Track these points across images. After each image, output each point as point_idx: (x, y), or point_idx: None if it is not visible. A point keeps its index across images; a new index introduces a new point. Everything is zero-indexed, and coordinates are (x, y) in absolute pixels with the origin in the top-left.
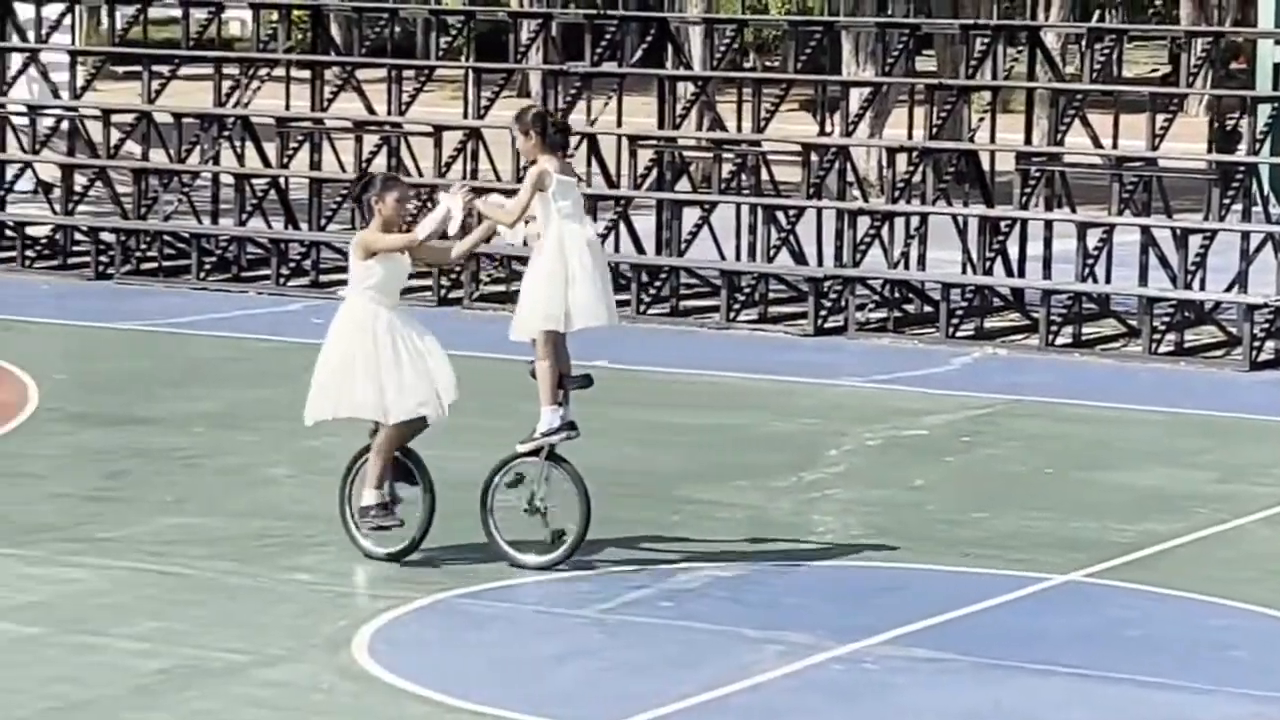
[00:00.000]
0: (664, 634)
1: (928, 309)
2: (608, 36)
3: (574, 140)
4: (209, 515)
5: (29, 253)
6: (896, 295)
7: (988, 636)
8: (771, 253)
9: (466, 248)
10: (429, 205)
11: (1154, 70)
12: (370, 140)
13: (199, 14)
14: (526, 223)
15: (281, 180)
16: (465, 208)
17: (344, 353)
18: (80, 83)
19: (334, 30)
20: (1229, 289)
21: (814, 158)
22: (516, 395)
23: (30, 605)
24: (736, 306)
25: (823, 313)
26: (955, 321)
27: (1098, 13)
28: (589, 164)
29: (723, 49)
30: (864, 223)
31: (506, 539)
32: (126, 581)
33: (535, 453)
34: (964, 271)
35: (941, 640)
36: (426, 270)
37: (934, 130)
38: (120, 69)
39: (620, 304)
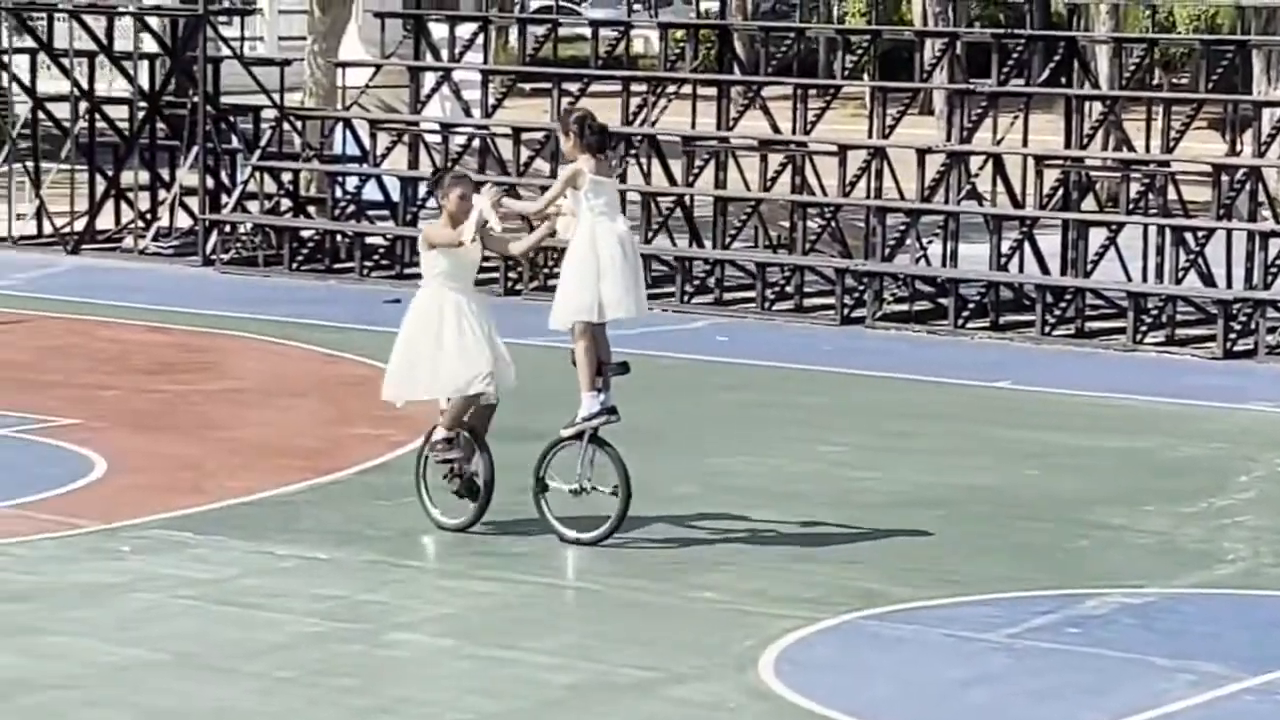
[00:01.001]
0: (1072, 660)
1: None
2: (1014, 55)
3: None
4: (618, 532)
5: None
6: None
7: None
8: (1180, 274)
9: (528, 244)
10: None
11: None
12: (775, 159)
13: (607, 32)
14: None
15: (687, 198)
16: (494, 207)
17: (409, 338)
18: (491, 101)
19: (739, 48)
20: None
21: (1224, 178)
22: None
23: (443, 618)
24: (1143, 328)
25: (1232, 336)
26: None
27: None
28: (993, 183)
29: (1131, 67)
30: (1276, 244)
31: (557, 515)
32: (538, 596)
33: (578, 437)
34: None
35: None
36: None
37: None
38: (528, 86)
39: (1023, 325)
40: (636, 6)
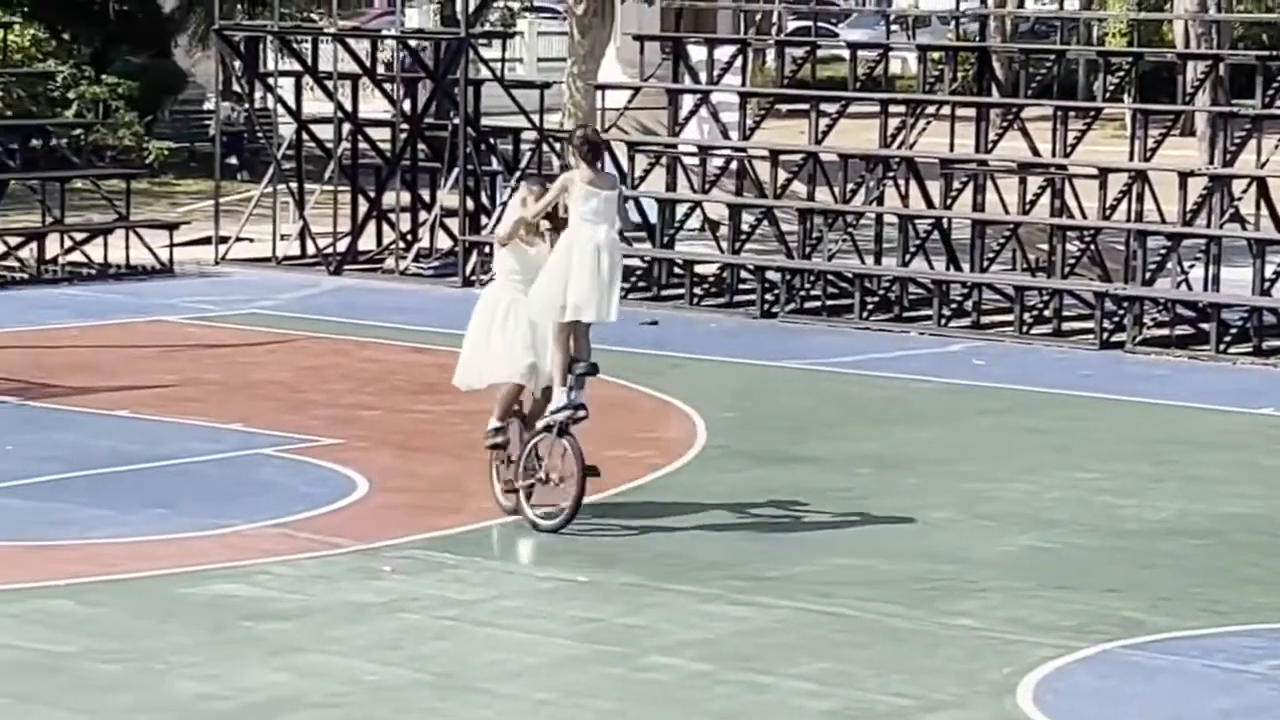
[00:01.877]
0: None
1: None
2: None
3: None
4: (872, 556)
5: (697, 290)
6: None
7: None
8: None
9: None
10: (1092, 247)
11: None
12: (1034, 181)
13: (866, 54)
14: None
15: (944, 221)
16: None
17: (474, 327)
18: (749, 123)
19: (998, 69)
20: None
21: None
22: None
23: (701, 642)
24: None
25: None
26: None
27: None
28: (1257, 206)
29: None
30: None
31: (532, 504)
32: (793, 621)
33: (547, 429)
34: None
35: None
36: None
37: None
38: (785, 108)
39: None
40: (895, 28)
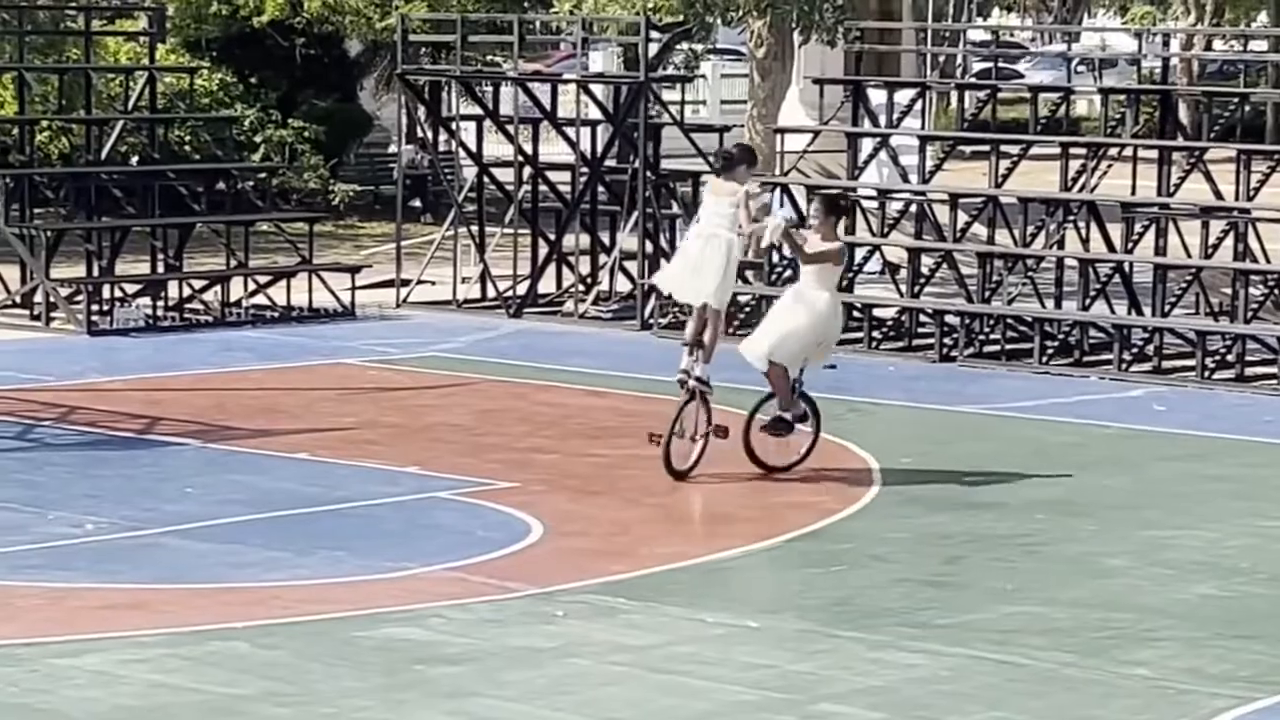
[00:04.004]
0: None
1: None
2: None
3: None
4: (1048, 604)
5: (875, 334)
6: None
7: None
8: None
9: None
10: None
11: None
12: (1217, 225)
13: (1048, 95)
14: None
15: (1126, 265)
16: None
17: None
18: (929, 165)
19: (1183, 111)
20: None
21: None
22: None
23: (872, 689)
24: None
25: None
26: None
27: None
28: None
29: None
30: None
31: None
32: (965, 669)
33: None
34: None
35: None
36: None
37: None
38: (967, 150)
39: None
40: (1081, 69)
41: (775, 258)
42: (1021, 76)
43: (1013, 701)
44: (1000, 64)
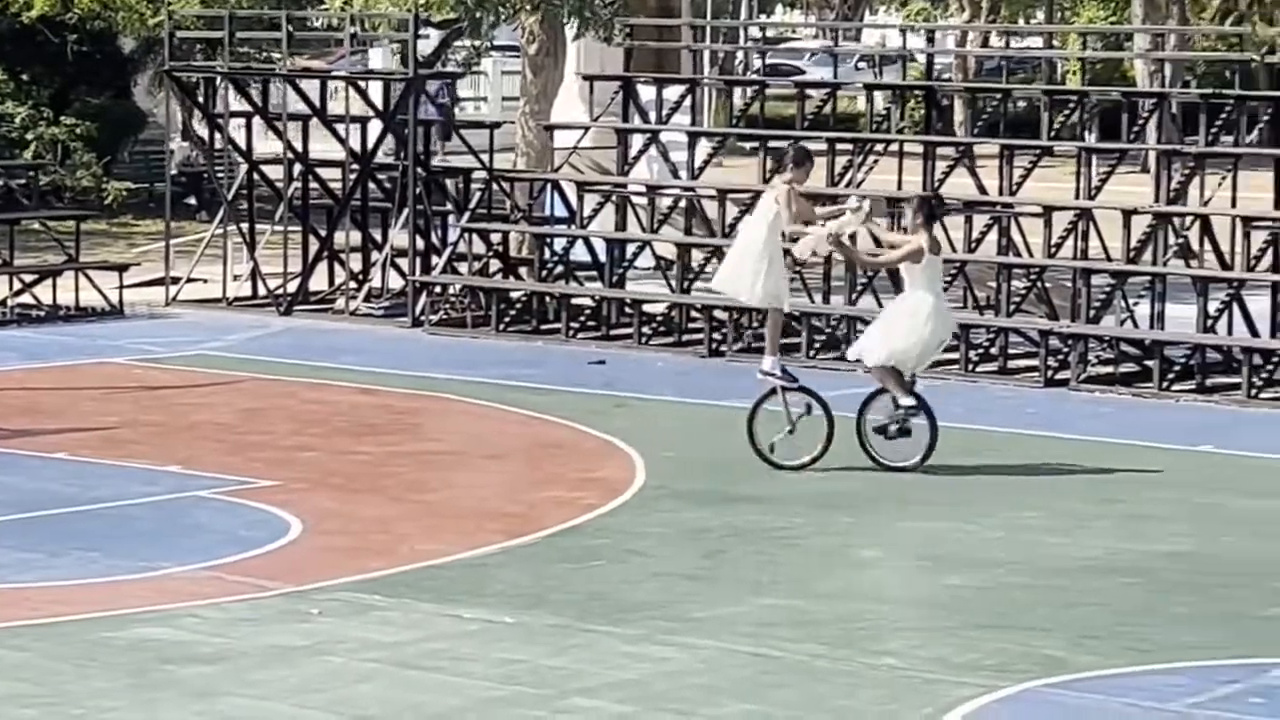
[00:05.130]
0: None
1: None
2: (1222, 115)
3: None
4: (801, 597)
5: (645, 329)
6: None
7: None
8: None
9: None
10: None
11: None
12: (980, 219)
13: (818, 91)
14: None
15: None
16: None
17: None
18: (698, 162)
19: (959, 108)
20: None
21: None
22: None
23: (624, 683)
24: None
25: None
26: None
27: None
28: (1200, 244)
29: None
30: None
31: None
32: (718, 662)
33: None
34: None
35: None
36: None
37: None
38: (748, 146)
39: (1229, 387)
40: (861, 65)
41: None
42: (804, 73)
43: (764, 694)
44: (784, 61)
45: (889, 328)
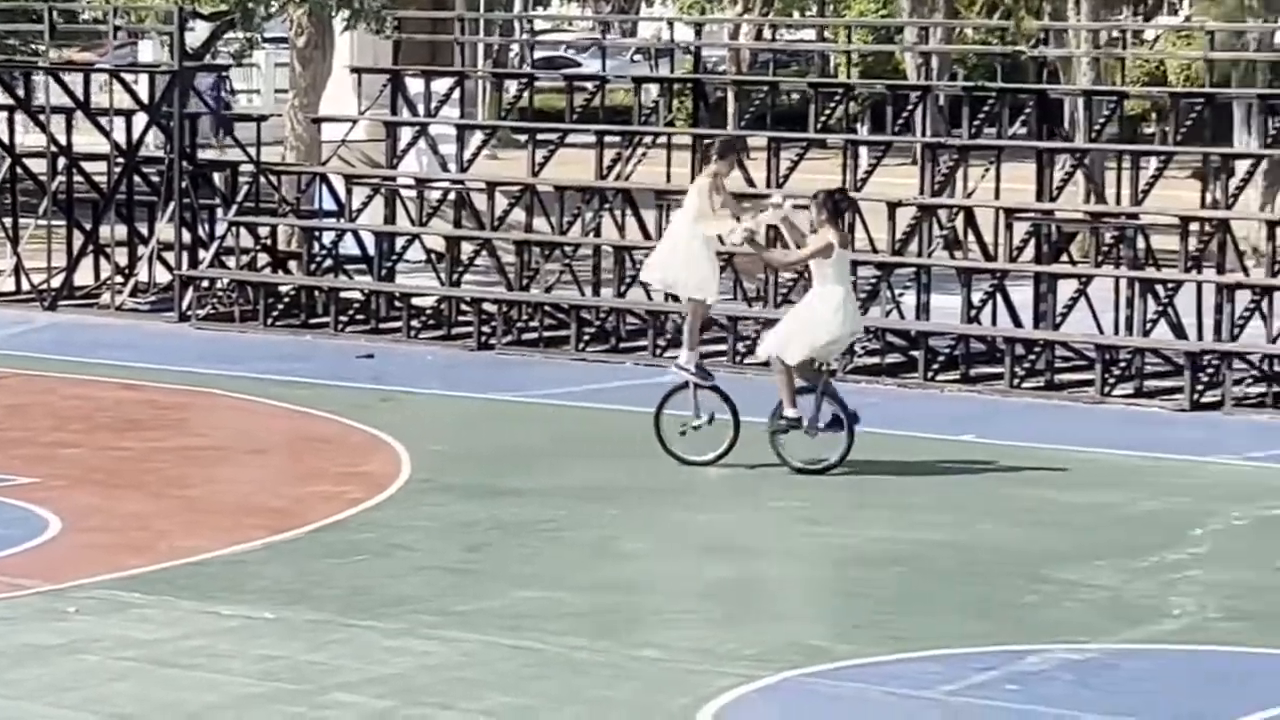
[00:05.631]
0: (1008, 718)
1: None
2: (985, 108)
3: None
4: (565, 589)
5: (414, 322)
6: (1276, 370)
7: None
8: (1148, 326)
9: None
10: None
11: None
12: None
13: (588, 83)
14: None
15: None
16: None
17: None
18: (467, 155)
19: (730, 99)
20: None
21: (1193, 229)
22: None
23: (384, 678)
24: (1111, 380)
25: (1199, 387)
26: None
27: None
28: (964, 235)
29: (1101, 120)
30: (1243, 296)
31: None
32: (480, 655)
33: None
34: None
35: None
36: None
37: None
38: (521, 138)
39: (993, 377)
40: (637, 58)
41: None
42: (579, 65)
43: (524, 686)
44: (559, 54)
45: (798, 323)
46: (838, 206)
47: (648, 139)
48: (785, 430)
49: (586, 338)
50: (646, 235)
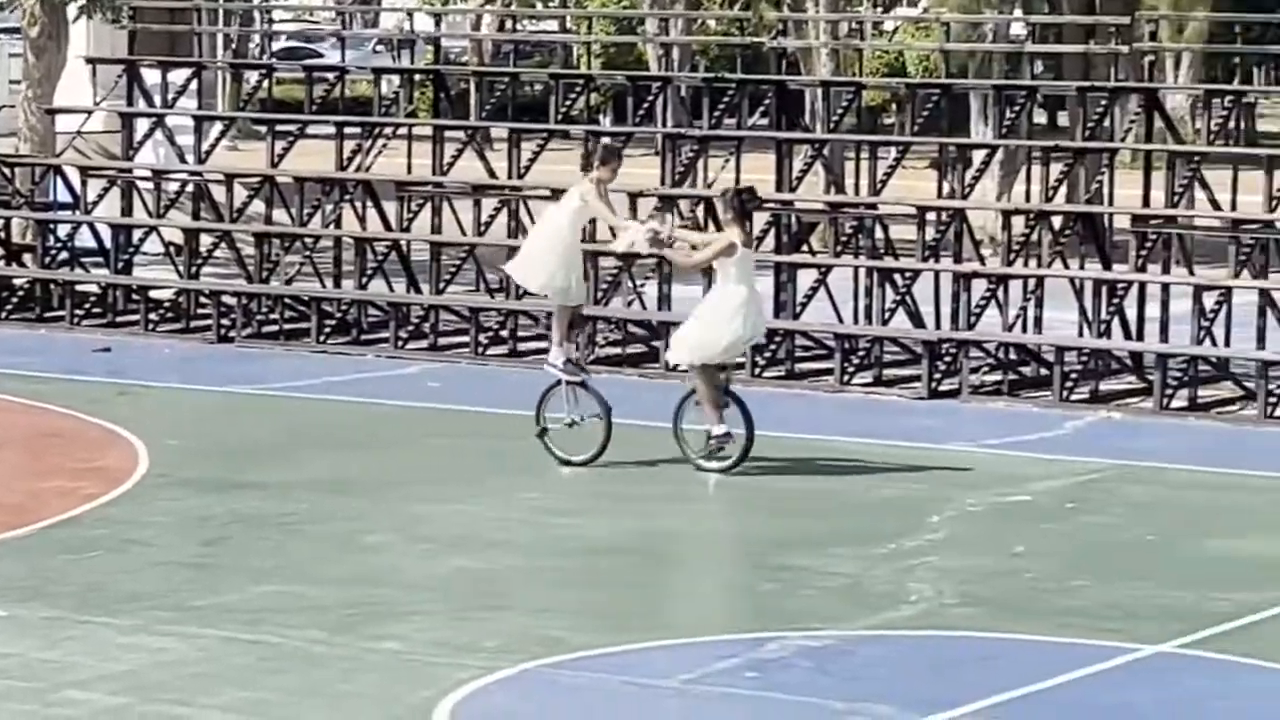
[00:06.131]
0: (746, 705)
1: (1043, 372)
2: (726, 99)
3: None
4: (304, 583)
5: (152, 316)
6: (1012, 358)
7: (1073, 709)
8: (886, 315)
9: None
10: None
11: None
12: (490, 202)
13: (328, 75)
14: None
15: (402, 243)
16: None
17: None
18: (205, 146)
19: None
20: None
21: (931, 219)
22: None
23: (119, 675)
24: (851, 369)
25: (937, 376)
26: (1070, 385)
27: (1238, 72)
28: (705, 225)
29: (840, 111)
30: (980, 285)
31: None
32: (216, 650)
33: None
34: (1080, 334)
35: (1027, 713)
36: None
37: (1050, 192)
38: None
39: (735, 367)
40: (380, 49)
41: None
42: (322, 56)
43: (262, 680)
44: (301, 44)
45: (700, 325)
46: (744, 206)
47: (388, 130)
48: (716, 451)
49: (328, 330)
50: (388, 227)
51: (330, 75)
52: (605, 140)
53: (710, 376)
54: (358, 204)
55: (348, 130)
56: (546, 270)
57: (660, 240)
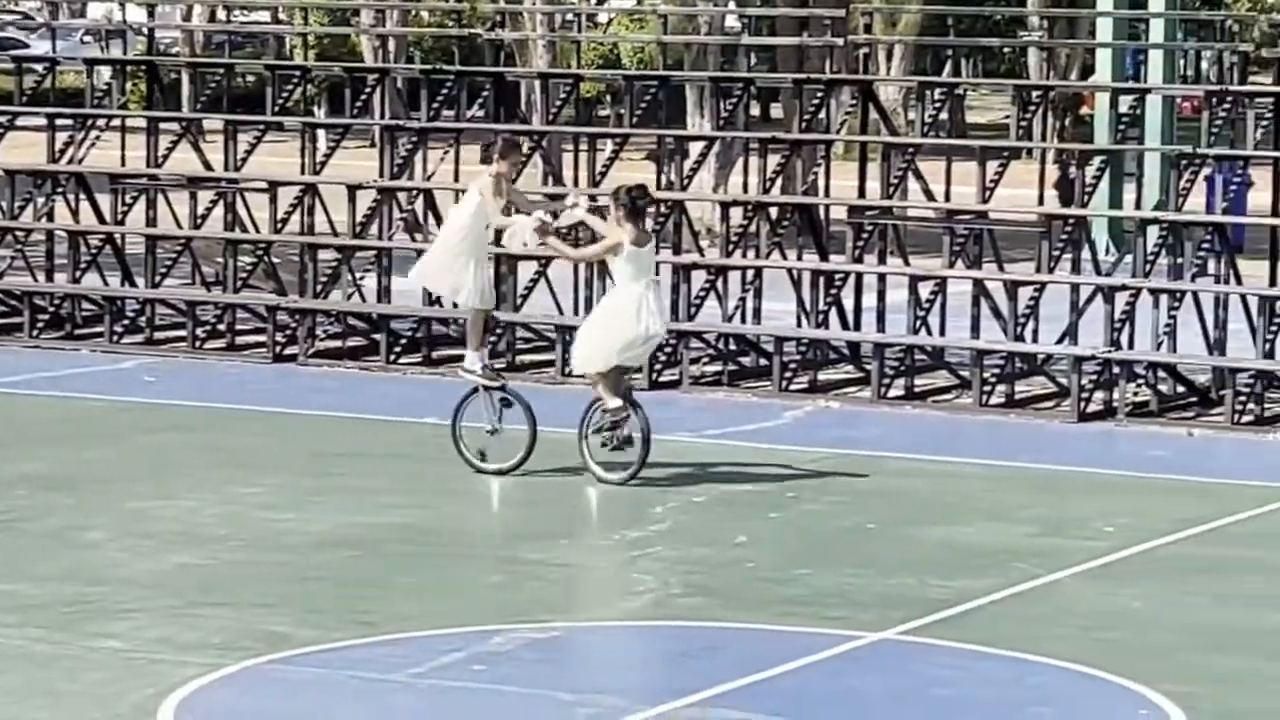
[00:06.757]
0: (475, 698)
1: (763, 362)
2: (444, 91)
3: None
4: (21, 581)
5: None
6: (731, 349)
7: (797, 697)
8: None
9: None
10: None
11: (1007, 117)
12: (205, 195)
13: (37, 65)
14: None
15: (117, 236)
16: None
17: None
18: None
19: (185, 81)
20: (1059, 341)
21: (651, 211)
22: None
23: None
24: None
25: (658, 367)
26: (789, 375)
27: (949, 64)
28: (425, 218)
29: (558, 103)
30: (699, 276)
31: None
32: None
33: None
34: (798, 324)
35: (751, 701)
36: None
37: (768, 183)
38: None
39: (455, 359)
40: (89, 39)
41: None
42: (28, 46)
43: None
44: (8, 35)
45: (597, 328)
46: (635, 204)
47: (101, 122)
48: (611, 428)
49: (41, 325)
50: (102, 220)
51: (40, 66)
52: (504, 135)
53: (612, 383)
54: (70, 197)
55: (59, 122)
56: (455, 275)
57: (546, 229)
